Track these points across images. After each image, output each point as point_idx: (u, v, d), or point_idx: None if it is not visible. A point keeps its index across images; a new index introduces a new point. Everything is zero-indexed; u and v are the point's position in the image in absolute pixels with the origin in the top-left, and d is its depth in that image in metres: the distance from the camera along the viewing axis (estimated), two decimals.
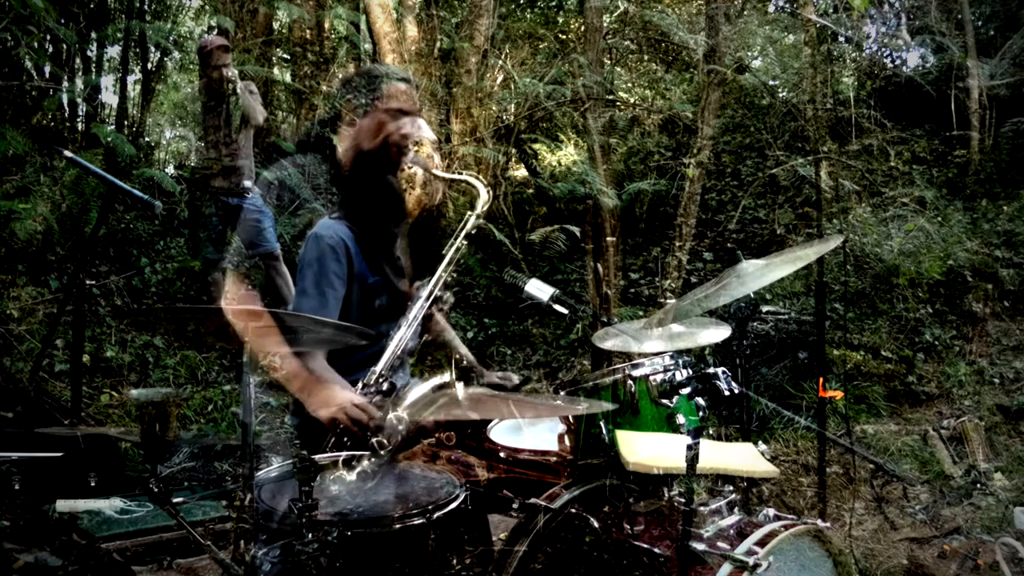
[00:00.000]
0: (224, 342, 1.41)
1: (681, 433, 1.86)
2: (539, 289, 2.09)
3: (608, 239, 6.52)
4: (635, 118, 9.53)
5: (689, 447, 1.54)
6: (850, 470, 4.14)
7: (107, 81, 8.93)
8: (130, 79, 8.80)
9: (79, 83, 7.96)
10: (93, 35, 7.76)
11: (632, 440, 1.84)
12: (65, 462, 2.33)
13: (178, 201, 6.61)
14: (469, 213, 2.09)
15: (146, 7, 8.55)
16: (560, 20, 10.13)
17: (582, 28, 8.45)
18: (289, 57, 8.44)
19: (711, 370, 1.73)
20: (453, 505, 1.56)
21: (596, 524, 1.75)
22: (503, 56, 7.98)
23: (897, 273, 6.49)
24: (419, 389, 1.60)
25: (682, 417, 1.88)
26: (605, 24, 8.34)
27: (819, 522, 1.77)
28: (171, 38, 8.13)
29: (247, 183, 5.02)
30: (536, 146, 8.36)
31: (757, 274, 1.78)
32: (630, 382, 1.93)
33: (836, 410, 4.65)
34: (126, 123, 8.16)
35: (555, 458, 2.01)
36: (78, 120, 8.11)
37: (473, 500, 1.65)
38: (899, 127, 9.10)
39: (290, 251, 4.96)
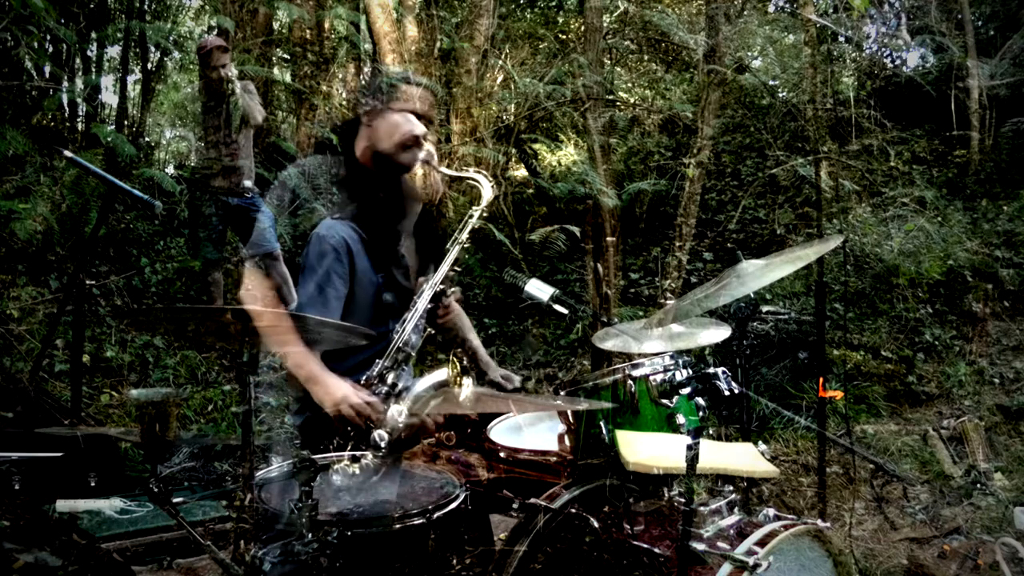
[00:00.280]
0: (224, 342, 1.41)
1: (681, 433, 1.86)
2: (539, 289, 2.09)
3: (608, 239, 6.52)
4: (635, 118, 9.53)
5: (689, 447, 1.54)
6: (850, 470, 4.14)
7: (107, 81, 8.94)
8: (130, 79, 8.81)
9: (79, 83, 7.96)
10: (93, 35, 7.75)
11: (632, 440, 1.84)
12: (65, 462, 2.32)
13: (178, 201, 6.60)
14: (474, 208, 2.09)
15: (146, 7, 8.55)
16: (560, 20, 10.13)
17: (582, 28, 8.45)
18: (289, 57, 8.44)
19: (711, 370, 1.73)
20: (453, 505, 1.56)
21: (596, 524, 1.75)
22: (503, 56, 7.98)
23: (897, 273, 6.49)
24: (421, 385, 1.61)
25: (682, 417, 1.88)
26: (605, 24, 8.34)
27: (819, 522, 1.77)
28: (171, 38, 8.13)
29: (247, 183, 5.02)
30: (536, 146, 8.36)
31: (757, 274, 1.78)
32: (630, 382, 1.93)
33: (836, 410, 4.65)
34: (126, 123, 8.16)
35: (555, 458, 2.01)
36: (78, 120, 8.10)
37: (473, 500, 1.66)
38: (899, 127, 9.11)
39: (290, 251, 4.96)
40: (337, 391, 1.84)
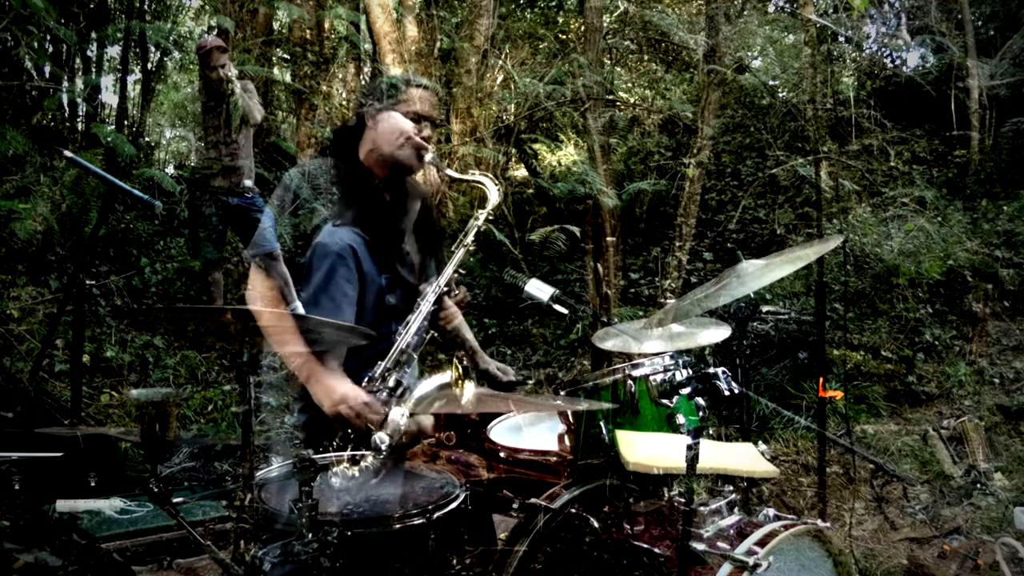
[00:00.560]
0: (224, 342, 1.41)
1: (681, 433, 1.86)
2: (539, 289, 2.09)
3: (608, 239, 6.52)
4: (635, 118, 9.52)
5: (689, 447, 1.54)
6: (850, 470, 4.14)
7: (107, 81, 8.95)
8: (130, 79, 8.81)
9: (79, 83, 7.96)
10: (93, 35, 7.75)
11: (632, 440, 1.84)
12: (65, 462, 2.32)
13: (178, 201, 6.60)
14: (479, 211, 2.08)
15: (146, 7, 8.55)
16: (560, 20, 10.13)
17: (582, 28, 8.45)
18: (289, 57, 8.44)
19: (711, 370, 1.73)
20: (453, 505, 1.56)
21: (596, 524, 1.75)
22: (503, 56, 7.98)
23: (897, 273, 6.49)
24: (423, 387, 1.61)
25: (682, 417, 1.88)
26: (605, 24, 8.34)
27: (819, 522, 1.77)
28: (171, 38, 8.13)
29: (247, 183, 5.03)
30: (536, 146, 8.36)
31: (757, 274, 1.78)
32: (630, 382, 1.93)
33: (836, 410, 4.65)
34: (126, 123, 8.16)
35: (555, 458, 2.01)
36: (78, 120, 8.11)
37: (474, 500, 1.66)
38: (899, 127, 9.10)
39: (290, 251, 4.96)
40: (337, 392, 1.84)
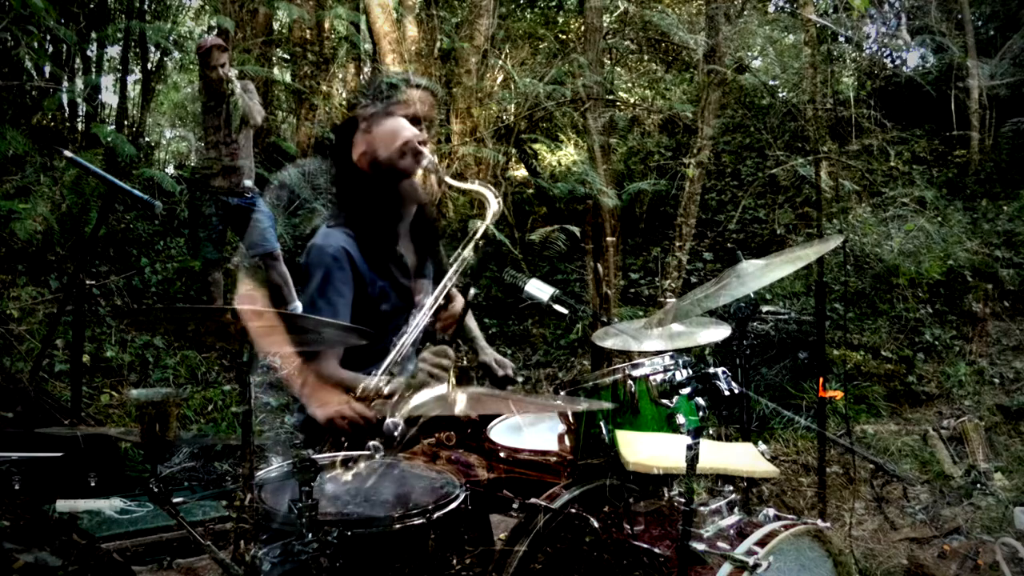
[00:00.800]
0: (224, 342, 1.41)
1: (681, 433, 1.86)
2: (539, 289, 2.09)
3: (608, 239, 6.52)
4: (635, 118, 9.53)
5: (689, 447, 1.54)
6: (850, 470, 4.14)
7: (107, 81, 8.95)
8: (130, 79, 8.81)
9: (79, 83, 7.96)
10: (93, 35, 7.75)
11: (632, 440, 1.83)
12: (65, 462, 2.32)
13: (178, 201, 6.61)
14: (478, 223, 2.05)
15: (146, 7, 8.54)
16: (560, 20, 10.13)
17: (582, 28, 8.45)
18: (289, 57, 8.44)
19: (711, 370, 1.73)
20: (453, 505, 1.56)
21: (596, 524, 1.75)
22: (503, 56, 7.98)
23: (897, 273, 6.49)
24: (418, 397, 1.60)
25: (682, 417, 1.88)
26: (605, 24, 8.34)
27: (819, 522, 1.77)
28: (171, 38, 8.13)
29: (247, 183, 5.03)
30: (536, 146, 8.36)
31: (757, 274, 1.78)
32: (630, 382, 1.93)
33: (836, 410, 4.64)
34: (126, 123, 8.16)
35: (555, 458, 2.01)
36: (78, 120, 8.11)
37: (473, 500, 1.65)
38: (899, 127, 9.11)
39: (290, 251, 4.96)
40: (329, 404, 1.83)
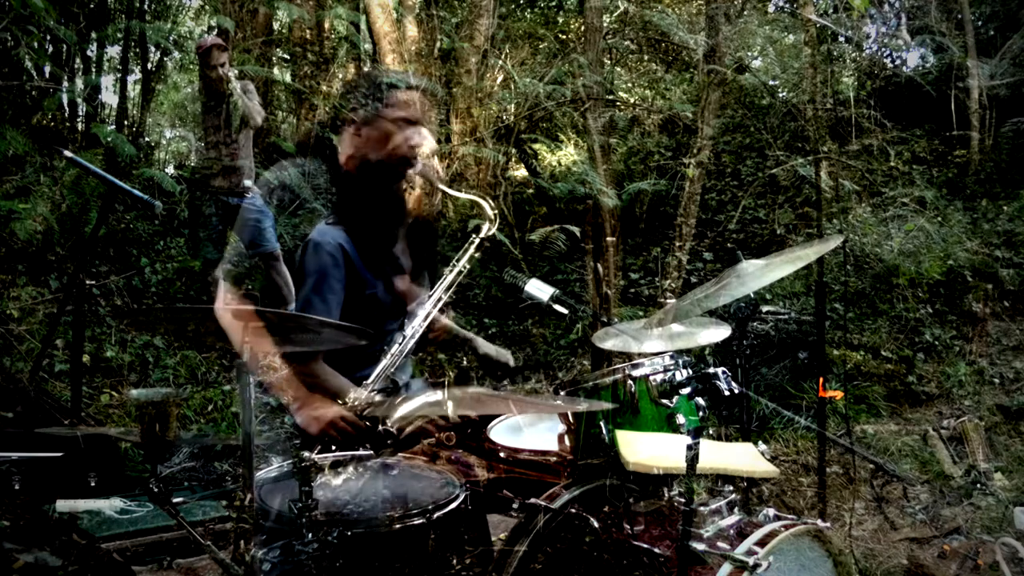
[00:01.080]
0: (224, 342, 1.41)
1: (681, 433, 1.86)
2: (539, 289, 2.09)
3: (608, 239, 6.52)
4: (635, 118, 9.52)
5: (689, 447, 1.54)
6: (850, 470, 4.14)
7: (107, 81, 8.93)
8: (130, 79, 8.80)
9: (79, 83, 7.96)
10: (93, 35, 7.75)
11: (632, 440, 1.84)
12: (65, 462, 2.33)
13: (178, 201, 6.61)
14: (474, 236, 2.04)
15: (146, 7, 8.54)
16: (560, 20, 10.13)
17: (582, 28, 8.45)
18: (289, 57, 8.44)
19: (711, 370, 1.73)
20: (453, 505, 1.56)
21: (596, 524, 1.75)
22: (503, 56, 7.98)
23: (897, 273, 6.49)
24: (413, 402, 1.59)
25: (682, 417, 1.88)
26: (605, 24, 8.34)
27: (819, 522, 1.77)
28: (171, 38, 8.12)
29: (247, 183, 5.03)
30: (536, 146, 8.36)
31: (757, 274, 1.78)
32: (630, 382, 1.93)
33: (836, 410, 4.65)
34: (126, 123, 8.15)
35: (555, 458, 2.01)
36: (78, 120, 8.10)
37: (473, 500, 1.66)
38: (899, 127, 9.11)
39: (290, 251, 4.97)
40: (319, 415, 1.83)
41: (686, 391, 1.79)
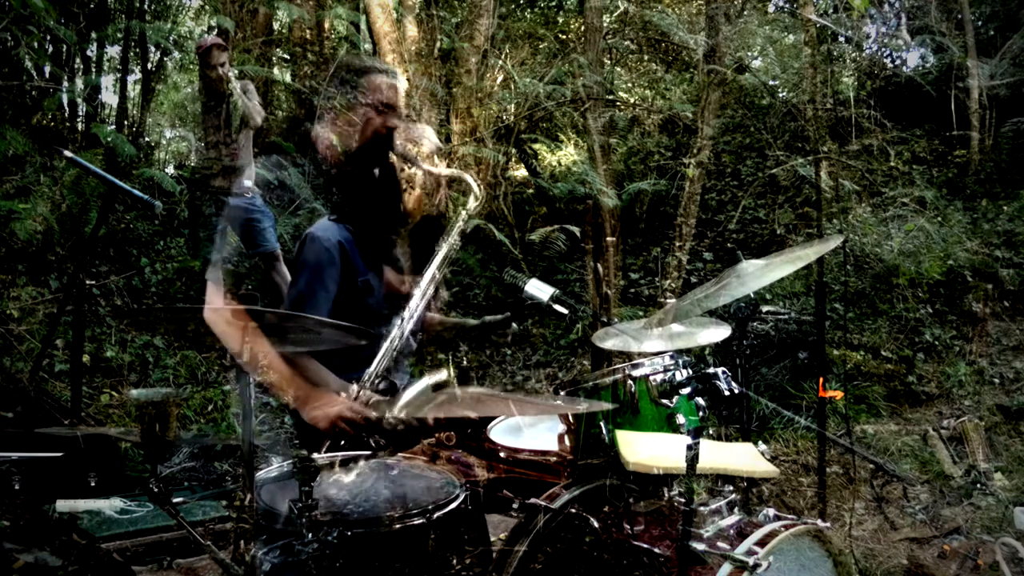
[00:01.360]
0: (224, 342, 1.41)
1: (681, 433, 1.86)
2: (539, 289, 2.09)
3: (608, 239, 6.52)
4: (635, 118, 9.53)
5: (689, 447, 1.54)
6: (850, 470, 4.14)
7: (107, 81, 8.94)
8: (130, 79, 8.80)
9: (79, 83, 7.96)
10: (93, 35, 7.75)
11: (632, 440, 1.83)
12: (65, 462, 2.32)
13: (178, 201, 6.61)
14: (462, 211, 2.05)
15: (146, 7, 8.54)
16: (560, 20, 10.13)
17: (582, 28, 8.45)
18: (289, 57, 8.44)
19: (711, 370, 1.73)
20: (453, 505, 1.56)
21: (596, 524, 1.75)
22: (503, 56, 7.98)
23: (897, 273, 6.49)
24: (416, 387, 1.60)
25: (682, 417, 1.88)
26: (605, 24, 8.34)
27: (819, 522, 1.77)
28: (171, 38, 8.13)
29: (247, 183, 5.02)
30: (536, 146, 8.36)
31: (757, 274, 1.78)
32: (630, 382, 1.93)
33: (836, 410, 4.65)
34: (126, 123, 8.16)
35: (555, 458, 2.01)
36: (78, 120, 8.11)
37: (473, 500, 1.65)
38: (899, 127, 9.11)
39: (290, 251, 4.96)
40: (327, 409, 1.81)
41: (686, 391, 1.78)
